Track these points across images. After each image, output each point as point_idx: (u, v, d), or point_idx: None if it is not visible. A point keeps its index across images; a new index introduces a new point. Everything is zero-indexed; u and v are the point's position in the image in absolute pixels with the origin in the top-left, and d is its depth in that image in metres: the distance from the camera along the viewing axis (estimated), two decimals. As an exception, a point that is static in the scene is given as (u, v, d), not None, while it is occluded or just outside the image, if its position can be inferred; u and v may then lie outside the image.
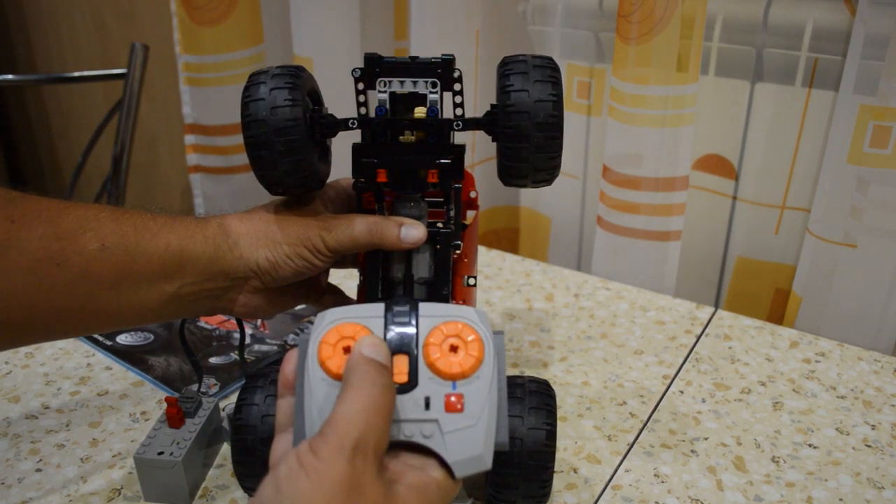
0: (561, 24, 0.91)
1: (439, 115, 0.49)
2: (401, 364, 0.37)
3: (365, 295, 0.51)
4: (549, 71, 0.47)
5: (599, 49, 0.90)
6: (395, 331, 0.38)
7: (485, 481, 0.51)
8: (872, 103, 0.69)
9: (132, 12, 1.41)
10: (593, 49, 0.90)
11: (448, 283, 0.51)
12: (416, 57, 0.49)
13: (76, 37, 1.54)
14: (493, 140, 0.49)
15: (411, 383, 0.37)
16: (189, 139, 1.13)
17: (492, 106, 0.49)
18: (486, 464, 0.37)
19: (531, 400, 0.49)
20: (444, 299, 0.50)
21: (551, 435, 0.48)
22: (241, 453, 0.49)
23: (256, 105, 0.47)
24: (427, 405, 0.37)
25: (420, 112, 0.49)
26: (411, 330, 0.38)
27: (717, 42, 0.82)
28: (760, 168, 0.84)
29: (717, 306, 0.84)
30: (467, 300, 0.54)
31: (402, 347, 0.38)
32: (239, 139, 0.94)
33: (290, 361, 0.39)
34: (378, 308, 0.39)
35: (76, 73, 1.19)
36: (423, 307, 0.39)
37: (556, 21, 0.92)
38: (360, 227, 0.49)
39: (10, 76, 1.23)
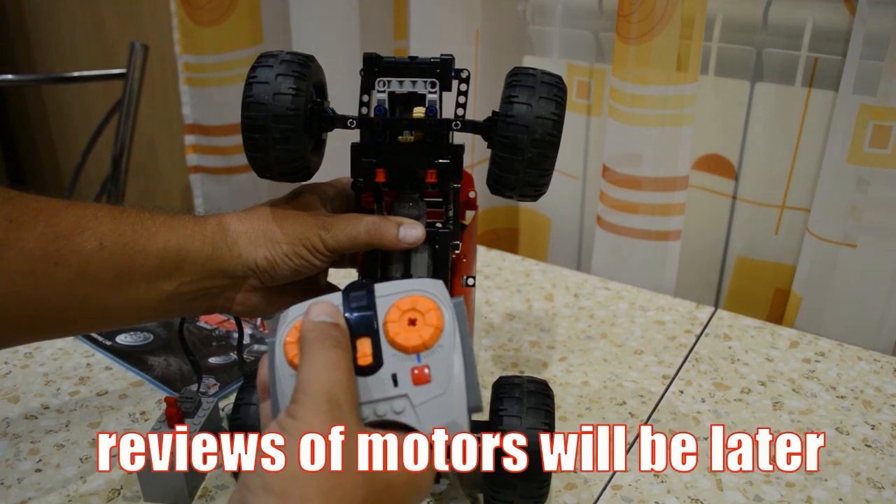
0: (560, 23, 0.91)
1: (438, 115, 0.49)
2: (364, 346, 0.38)
3: None
4: (555, 90, 0.47)
5: (599, 49, 0.90)
6: (353, 315, 0.39)
7: (483, 481, 0.51)
8: (872, 103, 0.69)
9: (132, 12, 1.41)
10: (593, 49, 0.90)
11: (447, 283, 0.51)
12: (416, 57, 0.49)
13: (76, 37, 1.54)
14: (488, 146, 0.49)
15: (376, 363, 0.38)
16: (189, 139, 1.13)
17: (493, 112, 0.49)
18: (463, 428, 0.37)
19: (529, 400, 0.49)
20: None
21: (550, 435, 0.48)
22: (240, 453, 0.49)
23: (259, 88, 0.47)
24: (395, 382, 0.37)
25: (419, 112, 0.49)
26: (369, 312, 0.39)
27: (716, 42, 0.82)
28: (760, 168, 0.84)
29: (716, 306, 0.84)
30: (466, 300, 0.54)
31: (363, 330, 0.38)
32: (239, 140, 0.94)
33: (263, 366, 0.40)
34: (335, 297, 0.40)
35: (76, 73, 1.19)
36: (379, 287, 0.40)
37: (556, 21, 0.92)
38: (359, 227, 0.49)
39: (9, 76, 1.23)
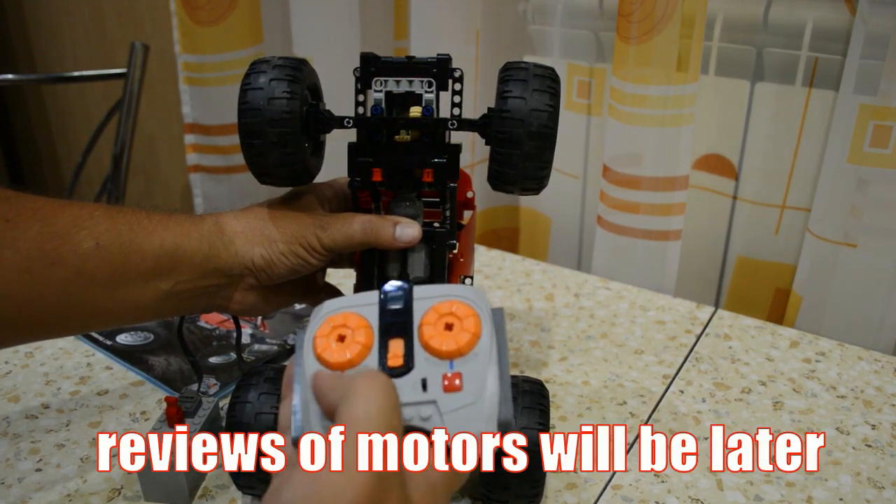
0: (561, 23, 0.91)
1: (435, 115, 0.49)
2: (396, 347, 0.36)
3: None
4: (548, 81, 0.47)
5: (599, 48, 0.90)
6: (389, 316, 0.37)
7: (479, 480, 0.51)
8: (872, 103, 0.69)
9: (132, 12, 1.41)
10: (593, 49, 0.90)
11: (443, 282, 0.51)
12: (413, 56, 0.49)
13: (76, 37, 1.54)
14: (486, 143, 0.49)
15: (407, 366, 0.36)
16: (189, 139, 1.13)
17: (489, 109, 0.49)
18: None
19: (524, 399, 0.49)
20: None
21: (544, 435, 0.48)
22: (237, 452, 0.49)
23: (254, 94, 0.47)
24: (424, 387, 0.35)
25: (415, 111, 0.49)
26: (405, 312, 0.37)
27: (717, 42, 0.82)
28: (760, 168, 0.84)
29: (717, 306, 0.84)
30: None
31: (397, 331, 0.37)
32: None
33: (292, 362, 0.39)
34: (372, 295, 0.38)
35: (76, 73, 1.19)
36: (418, 290, 0.38)
37: (556, 21, 0.91)
38: (356, 226, 0.49)
39: (10, 76, 1.23)
